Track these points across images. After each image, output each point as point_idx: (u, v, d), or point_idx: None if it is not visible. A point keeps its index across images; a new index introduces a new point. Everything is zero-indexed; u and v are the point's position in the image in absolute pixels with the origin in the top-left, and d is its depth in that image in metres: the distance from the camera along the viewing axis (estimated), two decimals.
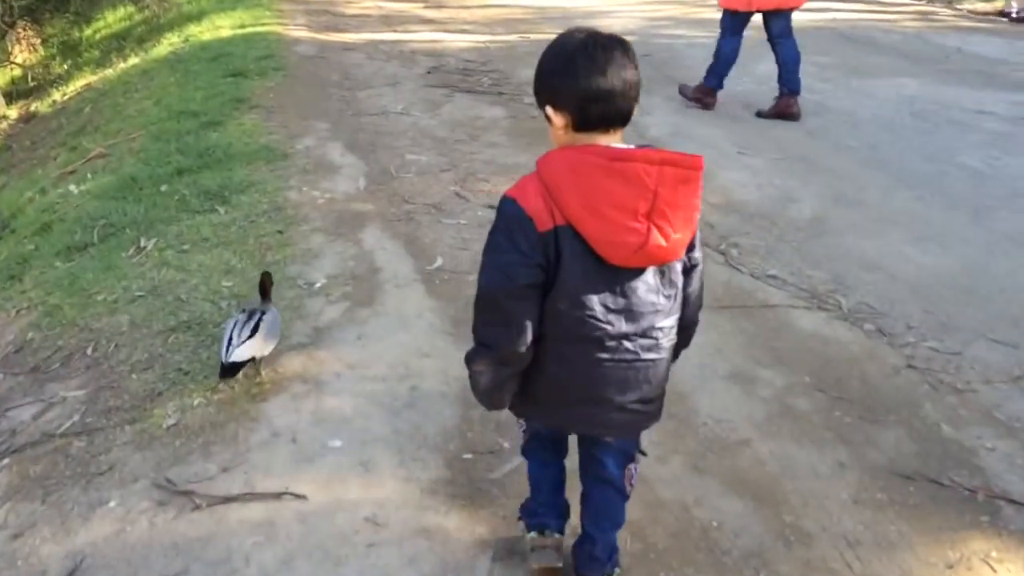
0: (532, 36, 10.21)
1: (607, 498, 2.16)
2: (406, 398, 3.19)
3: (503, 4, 12.75)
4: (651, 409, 1.97)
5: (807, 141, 6.21)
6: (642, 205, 1.69)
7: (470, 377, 1.94)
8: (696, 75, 7.13)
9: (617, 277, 1.79)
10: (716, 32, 6.78)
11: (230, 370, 3.04)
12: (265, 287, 3.34)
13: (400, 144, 6.10)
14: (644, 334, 1.84)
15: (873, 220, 4.82)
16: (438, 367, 3.36)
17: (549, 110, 1.81)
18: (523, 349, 1.81)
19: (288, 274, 4.11)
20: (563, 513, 2.33)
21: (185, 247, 4.45)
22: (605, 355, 1.83)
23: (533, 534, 2.28)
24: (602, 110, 1.75)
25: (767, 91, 6.98)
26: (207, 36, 10.36)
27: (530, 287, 1.77)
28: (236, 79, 7.84)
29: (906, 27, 10.81)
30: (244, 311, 3.18)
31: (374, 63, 8.72)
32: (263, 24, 10.67)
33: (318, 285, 4.02)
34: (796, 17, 6.53)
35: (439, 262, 4.28)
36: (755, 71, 7.70)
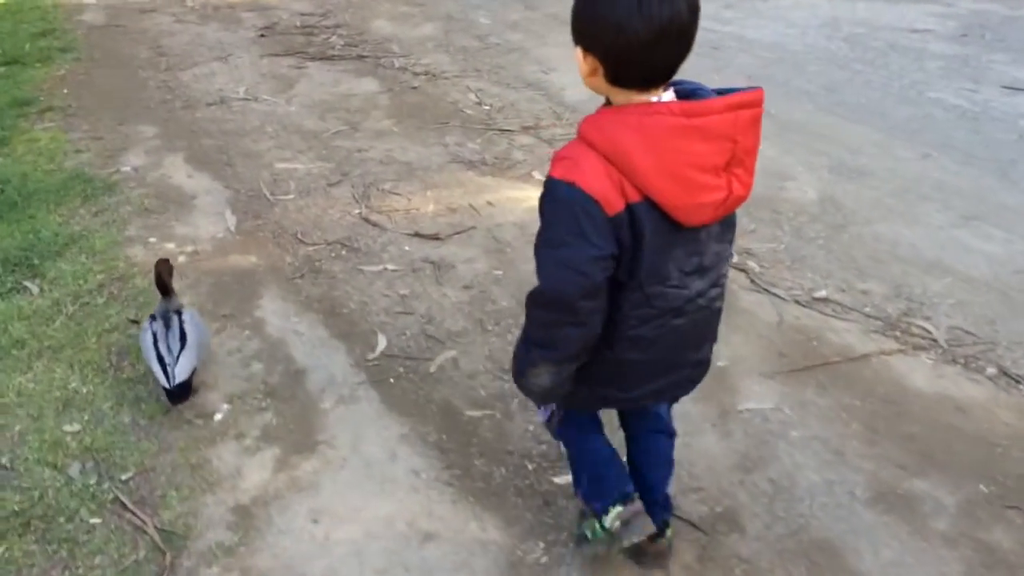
0: None
1: (662, 445, 2.06)
2: None
3: None
4: (711, 353, 1.83)
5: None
6: (722, 159, 1.47)
7: (523, 378, 1.72)
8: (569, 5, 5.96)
9: (690, 237, 1.56)
10: None
11: (180, 393, 2.60)
12: (164, 282, 2.75)
13: (262, 147, 4.65)
14: (715, 284, 1.68)
15: (893, 195, 3.90)
16: (453, 561, 2.16)
17: (579, 51, 1.49)
18: (593, 343, 1.62)
19: (164, 401, 2.73)
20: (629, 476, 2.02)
21: None
22: (681, 320, 1.66)
23: (618, 508, 1.93)
24: (643, 63, 1.43)
25: None
26: None
27: (605, 282, 1.52)
28: (10, 69, 6.00)
29: None
30: (153, 319, 2.68)
31: (188, 28, 7.02)
32: None
33: (218, 417, 2.67)
34: None
35: (382, 343, 3.01)
36: None
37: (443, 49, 6.32)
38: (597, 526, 1.99)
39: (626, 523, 1.93)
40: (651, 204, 1.47)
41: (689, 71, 1.46)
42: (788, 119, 4.71)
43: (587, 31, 1.45)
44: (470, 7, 7.40)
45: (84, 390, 2.82)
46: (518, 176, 4.26)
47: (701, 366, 1.82)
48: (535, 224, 1.59)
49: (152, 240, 3.67)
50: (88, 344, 3.03)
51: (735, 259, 3.45)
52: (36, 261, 3.55)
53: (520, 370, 1.72)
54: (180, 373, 2.58)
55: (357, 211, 3.93)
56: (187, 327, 2.66)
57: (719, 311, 1.75)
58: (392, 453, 2.51)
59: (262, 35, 6.74)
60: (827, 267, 3.39)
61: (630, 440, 2.09)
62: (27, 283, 3.41)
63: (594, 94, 1.55)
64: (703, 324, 1.72)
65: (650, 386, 1.76)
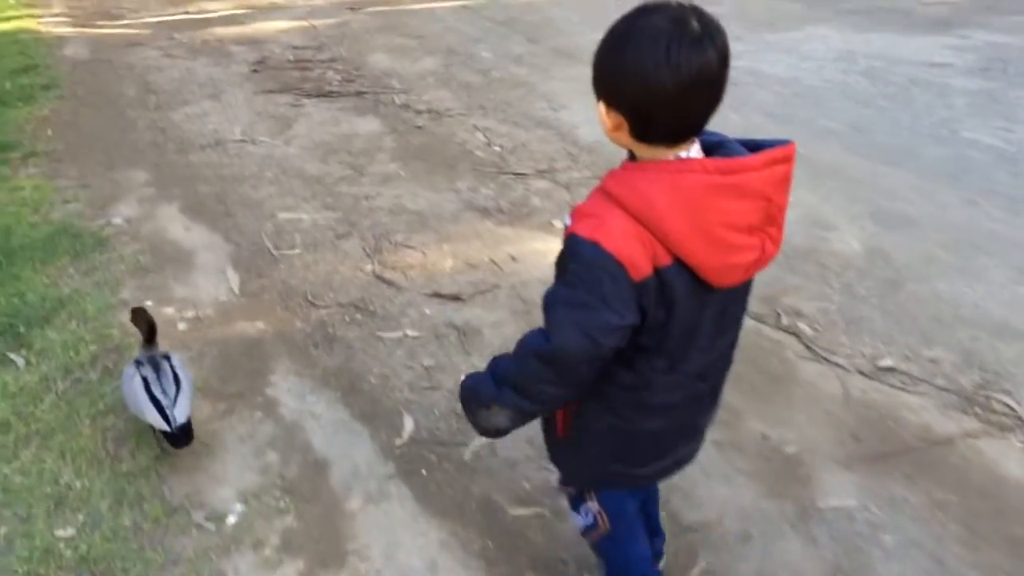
0: (365, 8, 8.44)
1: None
2: None
3: None
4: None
5: (776, 126, 4.98)
6: (758, 217, 1.37)
7: (478, 411, 1.60)
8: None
9: (718, 299, 1.46)
10: None
11: (182, 436, 2.48)
12: (152, 328, 2.63)
13: (262, 194, 4.36)
14: (734, 341, 1.61)
15: (945, 247, 3.66)
16: None
17: (601, 106, 1.37)
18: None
19: (169, 499, 2.43)
20: None
21: None
22: (704, 384, 1.59)
23: None
24: (671, 117, 1.31)
25: None
26: None
27: (614, 350, 1.40)
28: None
29: None
30: (139, 363, 2.57)
31: (177, 63, 6.73)
32: (8, 18, 8.26)
33: (232, 520, 2.37)
34: None
35: (409, 426, 2.71)
36: None
37: (445, 85, 6.06)
38: None
39: None
40: (681, 266, 1.37)
41: None
42: (818, 161, 4.48)
43: (611, 84, 1.35)
44: (470, 40, 7.15)
45: (78, 485, 2.52)
46: (538, 225, 3.99)
47: (703, 433, 1.74)
48: None
49: (148, 303, 3.36)
50: (81, 429, 2.73)
51: (783, 320, 3.19)
52: (22, 329, 3.24)
53: (478, 400, 1.60)
54: (180, 415, 2.47)
55: (370, 267, 3.64)
56: (177, 370, 2.57)
57: (729, 368, 1.67)
58: (432, 563, 2.21)
59: (255, 70, 6.46)
60: (887, 331, 3.13)
61: None
62: (12, 355, 3.10)
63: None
64: (720, 385, 1.66)
65: (664, 461, 1.69)
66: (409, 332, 3.18)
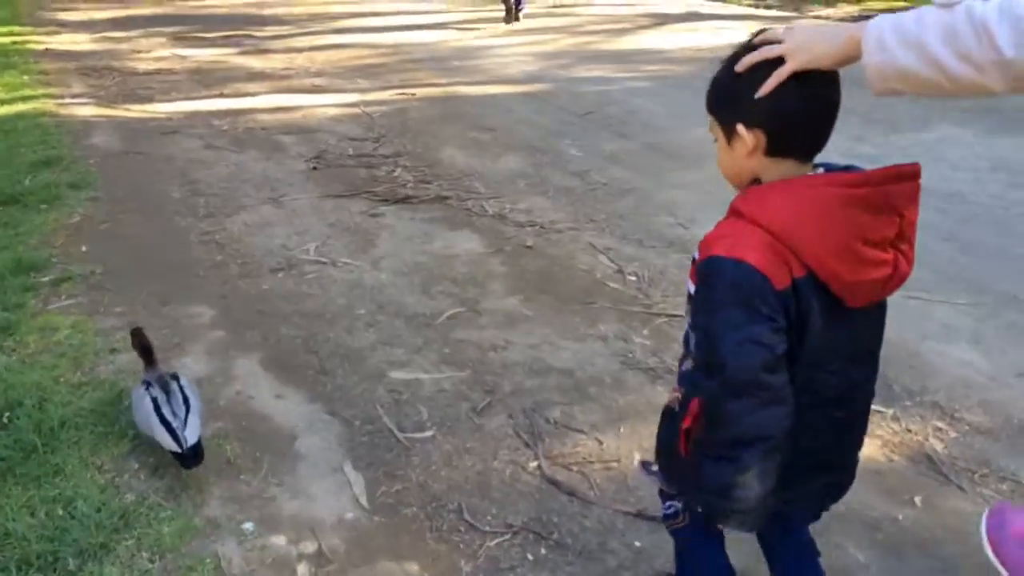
0: (416, 92, 7.68)
1: (812, 564, 1.90)
2: None
3: (339, 43, 10.10)
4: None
5: (963, 257, 4.15)
6: (891, 232, 1.43)
7: (729, 498, 1.45)
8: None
9: (850, 319, 1.48)
10: (636, 66, 4.62)
11: (193, 456, 2.51)
12: (148, 348, 2.75)
13: (361, 341, 3.47)
14: (872, 372, 1.62)
15: None
16: None
17: (740, 128, 1.44)
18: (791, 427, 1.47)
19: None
20: None
21: None
22: (842, 412, 1.57)
23: None
24: (808, 128, 1.45)
25: None
26: None
27: (785, 356, 1.42)
28: (6, 212, 4.80)
29: None
30: (148, 384, 2.62)
31: (222, 156, 5.88)
32: (25, 98, 7.43)
33: None
34: None
35: None
36: None
37: (539, 190, 5.23)
38: None
39: None
40: (815, 280, 1.42)
41: None
42: None
43: (748, 99, 1.42)
44: (551, 134, 6.36)
45: None
46: None
47: (851, 469, 1.70)
48: None
49: (247, 528, 2.43)
50: None
51: None
52: (71, 564, 2.30)
53: (721, 491, 1.46)
54: (191, 435, 2.52)
55: (534, 464, 2.73)
56: (187, 391, 2.63)
57: (871, 403, 1.67)
58: None
59: (314, 168, 5.62)
60: None
61: (774, 562, 1.94)
62: None
63: None
64: (861, 417, 1.65)
65: (807, 486, 1.63)
66: None
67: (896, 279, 1.46)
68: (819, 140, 1.45)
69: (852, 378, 1.56)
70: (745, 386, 1.41)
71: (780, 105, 1.40)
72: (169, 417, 2.53)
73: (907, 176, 1.42)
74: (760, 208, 1.42)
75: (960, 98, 3.61)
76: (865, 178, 1.40)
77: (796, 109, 1.41)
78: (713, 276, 1.43)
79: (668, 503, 1.89)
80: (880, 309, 1.58)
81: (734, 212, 1.46)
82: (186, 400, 2.59)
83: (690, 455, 1.56)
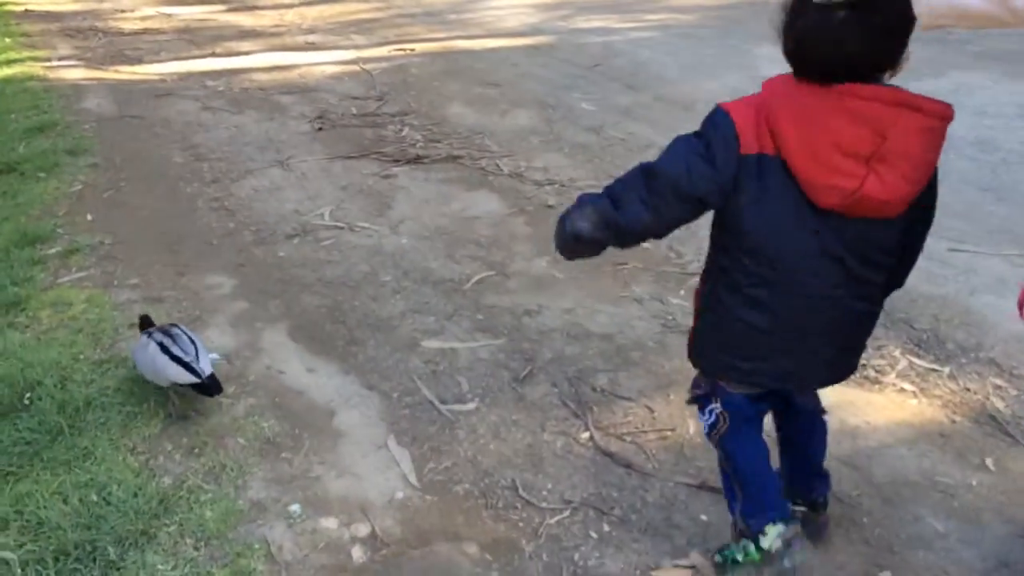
0: (414, 47, 7.46)
1: (817, 421, 2.05)
2: None
3: None
4: (855, 360, 1.86)
5: (1002, 208, 4.04)
6: (864, 147, 1.51)
7: (571, 213, 1.74)
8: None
9: (817, 217, 1.60)
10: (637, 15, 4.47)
11: (214, 384, 2.54)
12: (147, 320, 2.77)
13: (390, 309, 3.33)
14: (848, 279, 1.67)
15: None
16: None
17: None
18: (639, 242, 1.77)
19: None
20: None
21: None
22: (802, 302, 1.69)
23: (779, 527, 1.88)
24: (820, 55, 1.54)
25: None
26: None
27: (699, 201, 1.65)
28: (4, 181, 4.60)
29: None
30: (149, 335, 2.62)
31: (221, 118, 5.68)
32: (10, 62, 7.17)
33: None
34: None
35: None
36: None
37: (554, 147, 5.07)
38: (752, 548, 1.90)
39: (788, 543, 1.89)
40: (782, 165, 1.56)
41: None
42: None
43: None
44: (559, 88, 6.17)
45: None
46: None
47: (836, 368, 1.83)
48: None
49: (294, 510, 2.31)
50: None
51: None
52: (111, 554, 2.18)
53: (578, 205, 1.74)
54: (206, 367, 2.53)
55: (586, 435, 2.62)
56: (191, 335, 2.64)
57: (860, 315, 1.75)
58: None
59: (319, 128, 5.43)
60: None
61: (784, 426, 2.08)
62: None
63: None
64: (836, 322, 1.72)
65: (772, 363, 1.77)
66: (694, 555, 2.16)
67: (864, 199, 1.53)
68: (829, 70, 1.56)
69: (817, 275, 1.65)
70: (656, 181, 1.64)
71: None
72: (180, 354, 2.54)
73: (920, 109, 1.50)
74: (768, 86, 1.64)
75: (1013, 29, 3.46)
76: (856, 91, 1.51)
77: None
78: (708, 115, 1.66)
79: (708, 408, 1.94)
80: (872, 228, 1.61)
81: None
82: (192, 341, 2.61)
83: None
